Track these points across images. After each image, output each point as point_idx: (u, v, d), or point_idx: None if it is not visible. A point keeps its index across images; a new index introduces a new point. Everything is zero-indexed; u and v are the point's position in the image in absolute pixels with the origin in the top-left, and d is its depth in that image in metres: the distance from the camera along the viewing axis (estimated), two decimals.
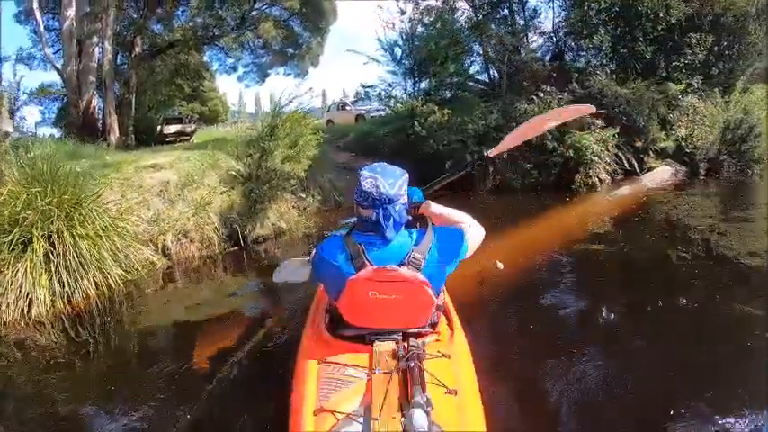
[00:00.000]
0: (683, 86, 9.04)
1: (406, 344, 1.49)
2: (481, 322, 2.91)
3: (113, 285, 3.93)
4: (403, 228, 1.57)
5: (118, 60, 13.30)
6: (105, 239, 4.03)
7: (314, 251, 1.64)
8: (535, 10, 11.77)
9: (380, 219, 1.49)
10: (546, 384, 2.39)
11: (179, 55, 14.86)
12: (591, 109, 2.46)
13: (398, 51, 10.65)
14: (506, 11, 11.50)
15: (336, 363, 1.48)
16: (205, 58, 17.53)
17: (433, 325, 1.65)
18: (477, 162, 3.14)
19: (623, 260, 4.40)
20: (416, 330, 1.57)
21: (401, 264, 1.47)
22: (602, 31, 9.61)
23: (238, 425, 2.14)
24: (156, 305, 3.95)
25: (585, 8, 9.54)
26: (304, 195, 6.92)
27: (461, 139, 8.35)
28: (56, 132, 13.88)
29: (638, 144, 8.80)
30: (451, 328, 1.76)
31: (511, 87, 9.97)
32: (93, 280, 3.83)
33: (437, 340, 1.62)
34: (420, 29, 10.49)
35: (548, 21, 11.93)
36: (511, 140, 2.34)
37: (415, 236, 1.56)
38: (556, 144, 7.93)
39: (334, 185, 8.17)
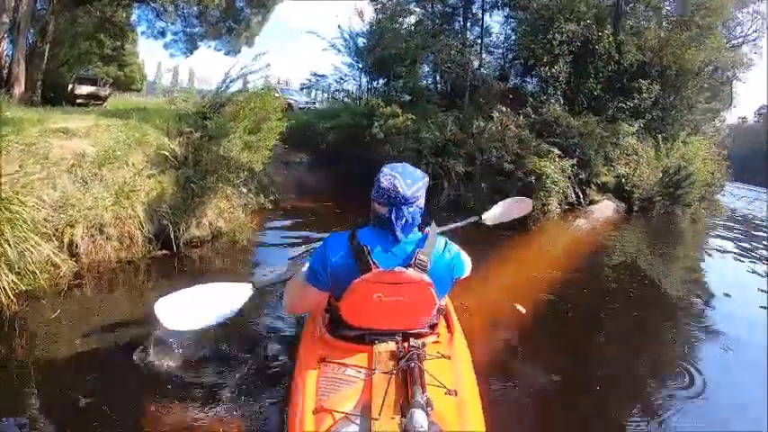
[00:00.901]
0: (634, 129, 9.45)
1: (406, 344, 1.51)
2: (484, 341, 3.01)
3: (3, 299, 2.87)
4: (416, 230, 1.58)
5: (37, 5, 11.38)
6: None
7: (317, 248, 1.63)
8: (488, 29, 11.86)
9: (393, 217, 1.50)
10: (544, 386, 2.55)
11: (106, 8, 13.13)
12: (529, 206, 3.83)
13: (361, 42, 9.99)
14: (457, 25, 11.51)
15: (336, 363, 1.50)
16: (133, 17, 15.83)
17: (433, 326, 1.68)
18: (476, 222, 3.40)
19: (602, 286, 4.93)
20: (416, 331, 1.59)
21: (407, 265, 1.48)
22: (560, 63, 9.84)
23: None
24: (59, 324, 2.94)
25: (550, 36, 9.65)
26: (245, 190, 6.08)
27: (418, 148, 7.97)
28: None
29: (582, 176, 9.04)
30: (450, 331, 1.80)
31: (470, 102, 9.83)
32: None
33: (437, 341, 1.66)
34: (390, 25, 9.92)
35: (499, 42, 12.13)
36: (501, 215, 3.47)
37: (419, 236, 1.58)
38: (513, 167, 7.83)
39: (272, 180, 7.44)
